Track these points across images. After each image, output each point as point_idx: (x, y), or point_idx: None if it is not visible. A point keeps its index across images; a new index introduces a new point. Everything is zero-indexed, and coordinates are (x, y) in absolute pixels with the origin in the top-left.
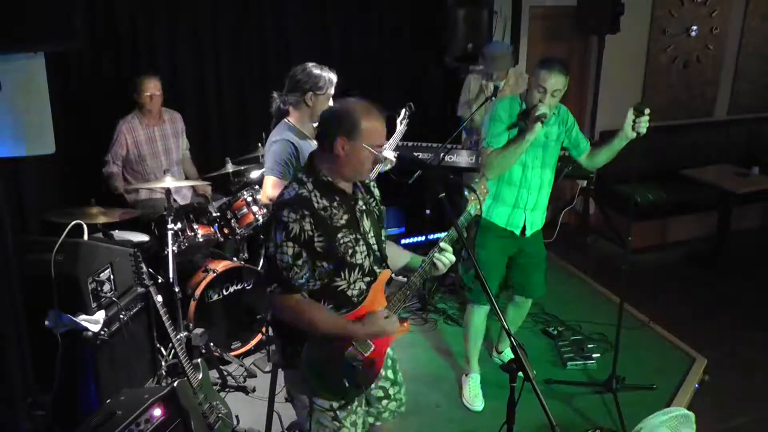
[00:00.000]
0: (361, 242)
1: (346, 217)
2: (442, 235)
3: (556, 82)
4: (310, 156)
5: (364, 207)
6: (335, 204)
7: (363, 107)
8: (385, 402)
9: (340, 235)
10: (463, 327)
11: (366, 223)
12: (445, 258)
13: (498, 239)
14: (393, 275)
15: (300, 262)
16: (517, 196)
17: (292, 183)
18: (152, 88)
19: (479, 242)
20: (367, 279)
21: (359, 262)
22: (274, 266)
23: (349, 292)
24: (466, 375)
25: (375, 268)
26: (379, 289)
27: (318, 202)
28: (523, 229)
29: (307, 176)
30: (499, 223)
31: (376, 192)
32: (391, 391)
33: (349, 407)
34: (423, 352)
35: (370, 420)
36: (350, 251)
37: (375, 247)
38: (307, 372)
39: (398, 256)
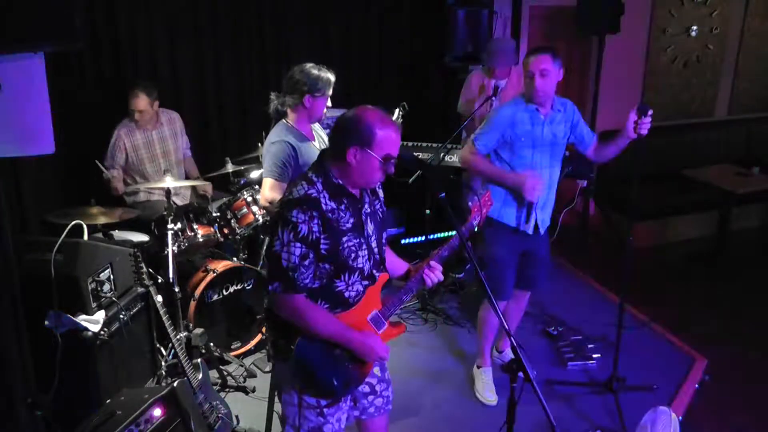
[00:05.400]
0: (364, 246)
1: (352, 220)
2: (440, 235)
3: (538, 61)
4: (319, 156)
5: (369, 209)
6: (343, 207)
7: (379, 116)
8: (371, 398)
9: (345, 239)
10: (478, 321)
11: (370, 227)
12: (434, 276)
13: (509, 238)
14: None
15: (306, 263)
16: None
17: (301, 182)
18: (141, 104)
19: (490, 242)
20: (366, 282)
21: (360, 266)
22: (279, 265)
23: (346, 294)
24: (478, 367)
25: (374, 271)
26: (376, 291)
27: (326, 204)
28: (536, 227)
29: (317, 176)
30: (510, 224)
31: (381, 193)
32: (377, 388)
33: (336, 404)
34: (423, 352)
35: (356, 414)
36: (353, 255)
37: (376, 250)
38: (296, 368)
39: (395, 265)
